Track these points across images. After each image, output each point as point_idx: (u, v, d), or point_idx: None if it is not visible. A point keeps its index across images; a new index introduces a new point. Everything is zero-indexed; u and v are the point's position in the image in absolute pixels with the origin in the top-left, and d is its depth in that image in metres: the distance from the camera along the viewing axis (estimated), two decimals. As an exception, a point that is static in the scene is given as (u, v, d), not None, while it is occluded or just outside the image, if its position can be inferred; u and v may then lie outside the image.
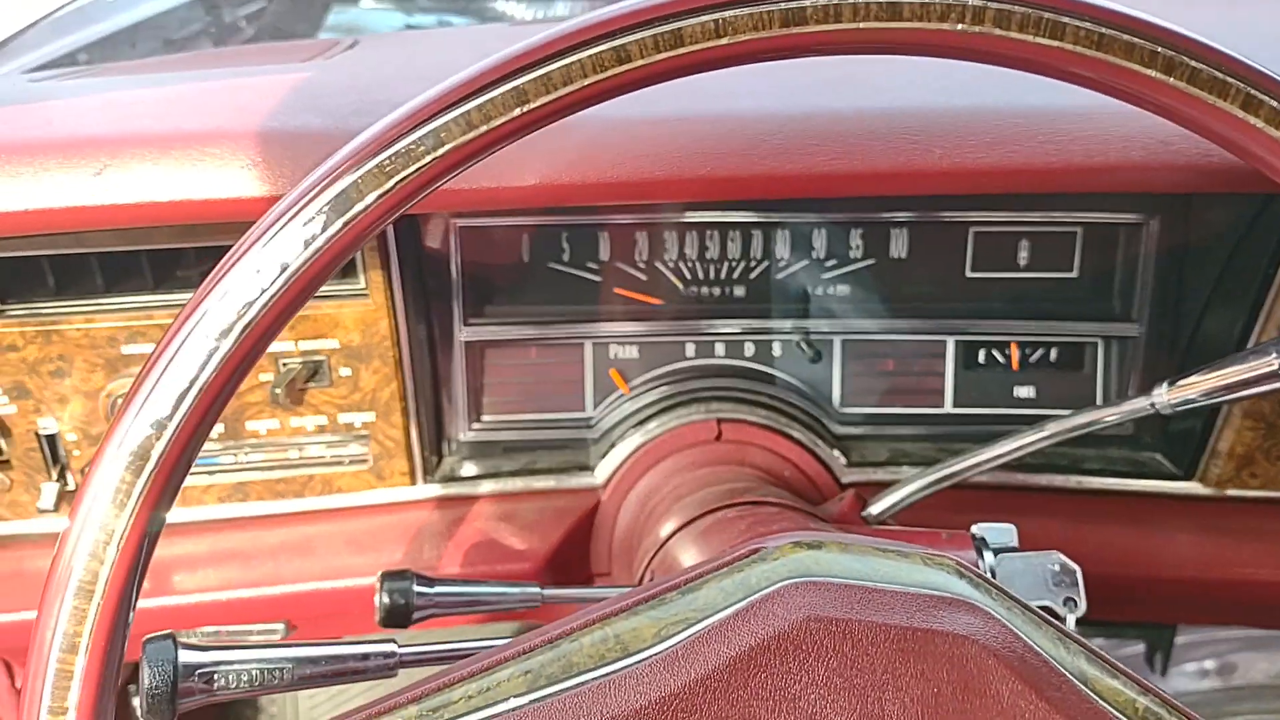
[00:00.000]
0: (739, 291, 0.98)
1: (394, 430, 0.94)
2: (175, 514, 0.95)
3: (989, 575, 0.65)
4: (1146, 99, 0.41)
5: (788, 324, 0.98)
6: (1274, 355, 0.63)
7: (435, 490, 0.98)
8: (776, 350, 0.99)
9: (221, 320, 0.42)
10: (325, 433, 0.94)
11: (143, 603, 0.92)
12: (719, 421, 0.95)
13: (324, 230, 0.42)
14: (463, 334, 0.97)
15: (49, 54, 1.28)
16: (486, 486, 0.98)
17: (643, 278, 0.97)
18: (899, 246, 0.96)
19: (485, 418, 1.00)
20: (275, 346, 0.89)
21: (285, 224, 0.42)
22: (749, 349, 0.99)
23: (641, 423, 0.97)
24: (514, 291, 0.97)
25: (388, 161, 0.42)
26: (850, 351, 0.99)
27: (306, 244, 0.42)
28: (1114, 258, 0.95)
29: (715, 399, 0.97)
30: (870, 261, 0.96)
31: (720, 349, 0.99)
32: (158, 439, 0.42)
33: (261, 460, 0.95)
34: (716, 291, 0.98)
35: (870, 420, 1.00)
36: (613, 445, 0.98)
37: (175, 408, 0.42)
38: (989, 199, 0.92)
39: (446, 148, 0.41)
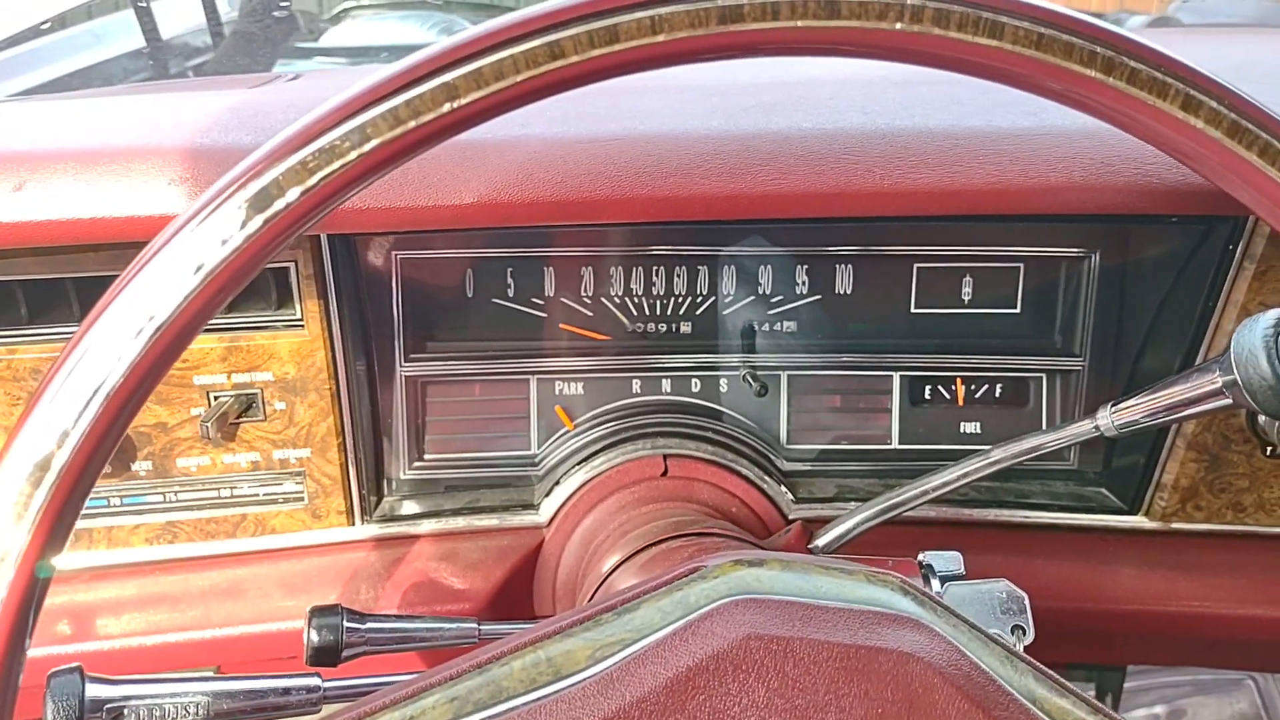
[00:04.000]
0: (685, 327, 0.97)
1: (330, 467, 0.91)
2: (101, 556, 0.93)
3: (936, 603, 0.64)
4: (1086, 100, 0.41)
5: (734, 359, 0.98)
6: (1218, 373, 0.62)
7: (374, 530, 0.95)
8: (723, 386, 0.98)
9: (132, 323, 0.40)
10: (259, 469, 0.91)
11: (62, 649, 0.89)
12: (665, 457, 0.94)
13: (242, 228, 0.40)
14: (404, 369, 0.95)
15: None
16: (427, 526, 0.95)
17: (588, 313, 0.96)
18: (844, 282, 0.96)
19: (427, 456, 0.98)
20: (206, 379, 0.86)
21: (202, 220, 0.40)
22: (695, 385, 0.98)
23: (587, 459, 0.95)
24: (457, 326, 0.95)
25: (311, 158, 0.40)
26: (797, 387, 0.99)
27: (223, 242, 0.40)
28: (1056, 292, 0.95)
29: (661, 434, 0.96)
30: (816, 297, 0.96)
31: (666, 385, 0.98)
32: (60, 448, 0.39)
33: (192, 499, 0.92)
34: (663, 327, 0.97)
35: (817, 456, 0.99)
36: (557, 483, 0.95)
37: (80, 414, 0.39)
38: (933, 232, 0.92)
39: (373, 144, 0.40)
